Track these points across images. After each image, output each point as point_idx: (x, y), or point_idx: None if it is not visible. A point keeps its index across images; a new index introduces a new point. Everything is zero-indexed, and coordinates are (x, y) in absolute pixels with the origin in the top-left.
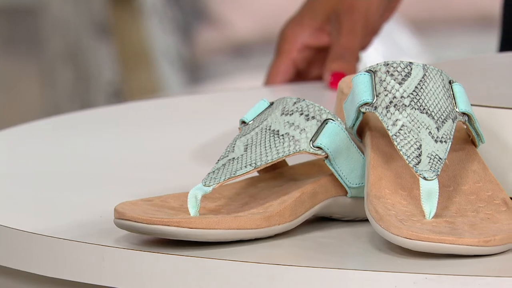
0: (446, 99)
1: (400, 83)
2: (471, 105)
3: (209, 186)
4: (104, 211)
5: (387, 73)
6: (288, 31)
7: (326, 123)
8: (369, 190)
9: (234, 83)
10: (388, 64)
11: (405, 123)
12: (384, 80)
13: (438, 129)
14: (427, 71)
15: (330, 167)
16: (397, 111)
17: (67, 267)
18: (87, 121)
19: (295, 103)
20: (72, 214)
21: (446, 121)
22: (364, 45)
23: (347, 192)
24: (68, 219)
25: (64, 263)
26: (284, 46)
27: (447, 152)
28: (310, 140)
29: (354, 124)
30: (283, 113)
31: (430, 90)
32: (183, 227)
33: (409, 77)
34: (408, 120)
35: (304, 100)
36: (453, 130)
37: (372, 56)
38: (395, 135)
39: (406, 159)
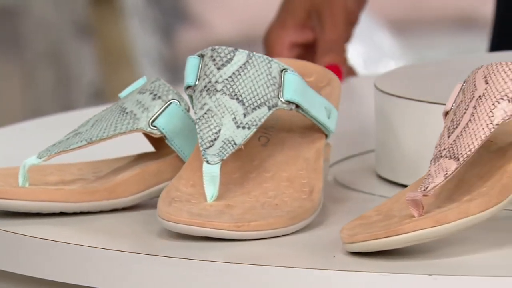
0: (268, 87)
1: (219, 68)
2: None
3: (40, 157)
4: None
5: (210, 57)
6: (272, 35)
7: (170, 104)
8: None
9: None
10: (214, 49)
11: (211, 107)
12: (207, 65)
13: (245, 115)
14: (251, 59)
15: (172, 147)
16: (207, 95)
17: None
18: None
19: (152, 82)
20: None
21: (258, 108)
22: (347, 37)
23: None
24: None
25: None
26: (273, 51)
27: (246, 138)
28: (150, 120)
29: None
30: (139, 92)
31: (249, 77)
32: None
33: (229, 63)
34: (215, 105)
35: (160, 80)
36: (264, 118)
37: (352, 57)
38: (199, 119)
39: (200, 143)
